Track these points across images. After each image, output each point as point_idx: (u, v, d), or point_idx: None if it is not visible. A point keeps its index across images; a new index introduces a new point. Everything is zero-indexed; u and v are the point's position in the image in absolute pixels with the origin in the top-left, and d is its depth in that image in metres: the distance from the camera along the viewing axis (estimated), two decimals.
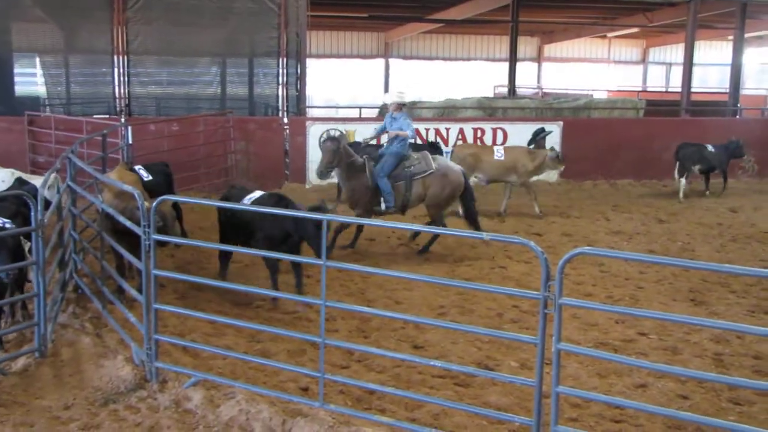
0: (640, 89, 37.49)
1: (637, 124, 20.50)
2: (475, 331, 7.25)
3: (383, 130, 11.98)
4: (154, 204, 6.30)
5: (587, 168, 18.33)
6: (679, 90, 22.78)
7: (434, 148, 15.67)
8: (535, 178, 15.21)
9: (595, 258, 10.81)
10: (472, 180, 13.86)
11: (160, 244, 7.01)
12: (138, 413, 6.08)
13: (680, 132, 18.88)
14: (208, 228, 11.93)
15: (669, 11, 27.21)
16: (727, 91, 23.14)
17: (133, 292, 7.15)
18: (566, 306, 5.36)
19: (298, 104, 17.82)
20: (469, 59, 40.41)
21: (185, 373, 6.55)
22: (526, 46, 38.83)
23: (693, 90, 23.14)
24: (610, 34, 38.62)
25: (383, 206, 11.45)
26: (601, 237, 12.93)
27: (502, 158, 14.58)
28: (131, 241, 7.35)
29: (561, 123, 18.56)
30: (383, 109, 21.46)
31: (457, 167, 12.15)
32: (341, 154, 11.23)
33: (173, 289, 9.14)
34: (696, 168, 17.19)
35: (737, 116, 22.71)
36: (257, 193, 9.54)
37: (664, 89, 39.36)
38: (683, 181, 16.94)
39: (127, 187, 7.18)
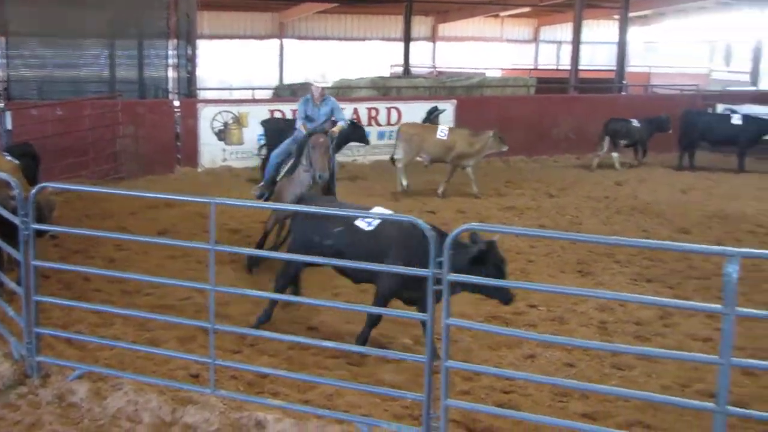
0: (532, 67, 38.17)
1: (528, 101, 20.92)
2: (367, 310, 7.34)
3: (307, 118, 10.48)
4: (33, 192, 6.07)
5: None
6: (569, 68, 23.28)
7: (355, 127, 15.79)
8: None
9: (489, 234, 11.00)
10: (417, 159, 14.02)
11: (39, 233, 6.74)
12: (17, 411, 5.81)
13: (569, 109, 19.42)
14: (95, 216, 11.67)
15: None
16: (614, 68, 23.72)
17: (12, 284, 6.77)
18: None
19: (189, 86, 17.46)
20: (364, 39, 40.23)
21: (69, 366, 6.33)
22: (421, 25, 38.87)
23: (581, 68, 23.81)
24: (502, 14, 39.03)
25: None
26: (493, 213, 13.16)
27: (445, 138, 14.61)
28: (6, 231, 6.85)
29: (455, 101, 18.77)
30: (278, 91, 21.32)
31: None
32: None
33: (58, 280, 8.80)
34: (623, 142, 17.89)
35: (623, 92, 23.33)
36: (380, 210, 7.48)
37: (555, 67, 40.09)
38: (615, 155, 17.75)
39: (2, 175, 6.81)
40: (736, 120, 17.71)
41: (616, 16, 24.60)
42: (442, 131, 14.72)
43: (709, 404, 4.74)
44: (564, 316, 8.30)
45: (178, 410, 5.69)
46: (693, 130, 17.71)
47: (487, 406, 6.05)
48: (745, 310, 4.72)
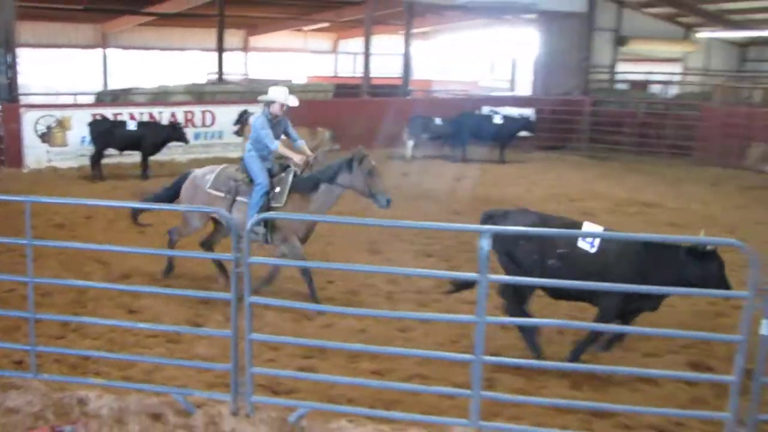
0: (332, 75, 38.67)
1: (328, 104, 21.15)
2: (182, 293, 7.32)
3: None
4: None
5: None
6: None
7: (174, 129, 15.36)
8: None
9: None
10: None
11: None
12: None
13: (362, 111, 19.83)
14: None
15: (353, 9, 28.30)
16: (401, 76, 24.40)
17: None
18: (257, 264, 5.60)
19: (10, 92, 16.46)
20: (183, 49, 39.47)
21: None
22: (234, 37, 38.46)
23: (374, 75, 24.37)
24: (305, 28, 39.39)
25: None
26: None
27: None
28: None
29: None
30: (100, 96, 20.47)
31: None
32: None
33: None
34: (425, 136, 18.57)
35: (408, 96, 24.02)
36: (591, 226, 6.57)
37: (353, 75, 40.80)
38: (411, 143, 18.56)
39: None
40: (497, 119, 18.70)
41: (402, 32, 25.27)
42: None
43: (469, 356, 5.03)
44: (357, 289, 8.52)
45: (0, 396, 5.43)
46: (464, 128, 18.50)
47: (289, 371, 6.15)
48: (496, 276, 5.05)
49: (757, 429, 4.78)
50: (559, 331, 7.31)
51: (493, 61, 37.27)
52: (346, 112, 19.80)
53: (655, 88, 28.33)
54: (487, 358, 5.04)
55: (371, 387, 5.85)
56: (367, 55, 21.53)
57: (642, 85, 28.38)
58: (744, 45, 32.63)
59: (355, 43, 42.88)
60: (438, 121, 18.63)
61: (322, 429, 5.11)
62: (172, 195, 8.95)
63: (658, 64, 30.90)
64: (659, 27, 29.63)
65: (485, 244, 4.68)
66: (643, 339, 7.09)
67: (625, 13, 28.15)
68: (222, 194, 8.34)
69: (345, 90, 24.74)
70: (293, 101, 8.63)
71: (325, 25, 36.89)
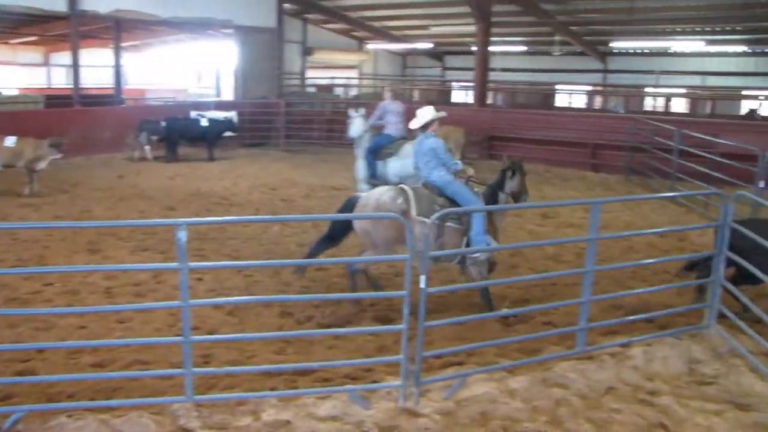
0: (46, 86, 35.21)
1: (39, 115, 19.17)
2: None
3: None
4: None
5: None
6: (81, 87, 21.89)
7: None
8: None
9: (9, 231, 9.98)
10: None
11: None
12: None
13: (75, 120, 18.22)
14: None
15: (60, 24, 25.79)
16: (113, 86, 22.94)
17: None
18: None
19: None
20: None
21: None
22: None
23: (87, 86, 22.64)
24: (12, 41, 35.35)
25: None
26: (14, 211, 11.78)
27: (13, 146, 12.82)
28: None
29: None
30: None
31: None
32: None
33: None
34: (154, 138, 17.62)
35: (122, 105, 22.61)
36: None
37: (66, 86, 37.51)
38: (147, 147, 17.64)
39: None
40: (204, 122, 18.22)
41: (113, 45, 23.64)
42: (10, 140, 12.92)
43: (179, 338, 4.80)
44: (76, 288, 7.77)
45: None
46: (174, 131, 17.79)
47: (5, 378, 5.45)
48: (195, 263, 4.83)
49: (423, 363, 5.07)
50: (265, 305, 7.25)
51: (199, 70, 36.30)
52: (58, 121, 18.02)
53: (338, 91, 29.38)
54: (195, 337, 4.84)
55: (90, 379, 5.37)
56: (75, 67, 19.79)
57: (327, 88, 29.30)
58: (404, 54, 35.00)
59: (68, 56, 39.49)
60: (163, 123, 17.82)
61: (41, 429, 4.57)
62: (340, 232, 7.42)
63: (340, 71, 32.08)
64: (338, 40, 30.78)
65: (182, 235, 4.45)
66: (335, 303, 7.26)
67: (310, 28, 28.87)
68: (427, 220, 6.33)
69: (57, 100, 22.58)
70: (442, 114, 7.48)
71: (33, 38, 33.33)
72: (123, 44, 24.46)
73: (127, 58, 34.90)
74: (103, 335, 6.43)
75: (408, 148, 10.32)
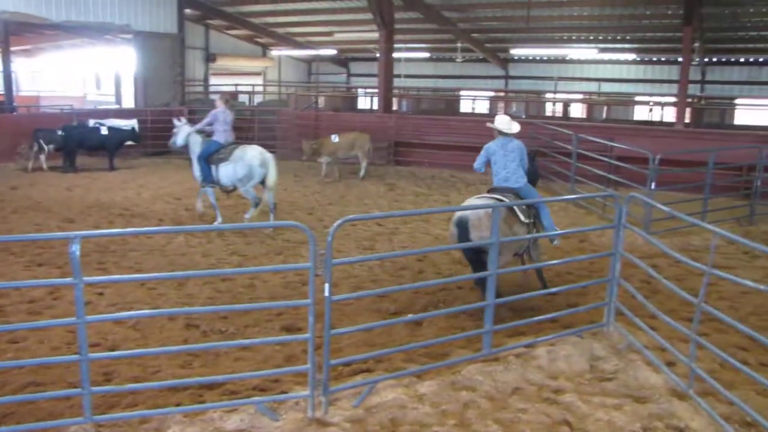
0: None
1: None
2: None
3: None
4: None
5: None
6: None
7: None
8: None
9: None
10: None
11: None
12: None
13: None
14: None
15: None
16: (3, 93, 21.77)
17: None
18: None
19: None
20: None
21: None
22: None
23: None
24: None
25: None
26: None
27: None
28: None
29: None
30: None
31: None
32: None
33: None
34: (51, 147, 16.84)
35: (14, 113, 21.47)
36: None
37: None
38: (42, 157, 16.83)
39: None
40: (104, 131, 17.55)
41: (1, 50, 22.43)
42: None
43: (75, 356, 4.57)
44: None
45: None
46: (71, 140, 17.03)
47: None
48: (90, 278, 4.60)
49: (331, 372, 5.02)
50: (170, 318, 7.03)
51: (98, 77, 34.95)
52: None
53: (243, 98, 28.97)
54: (93, 355, 4.61)
55: None
56: None
57: (232, 95, 28.84)
58: (308, 61, 34.87)
59: None
60: (59, 132, 17.03)
61: None
62: (475, 256, 7.19)
63: (245, 77, 31.64)
64: (242, 46, 30.38)
65: (75, 249, 4.24)
66: (242, 313, 7.13)
67: (212, 34, 28.38)
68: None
69: None
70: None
71: None
72: (13, 48, 23.24)
73: (19, 64, 33.34)
74: None
75: (238, 153, 11.12)
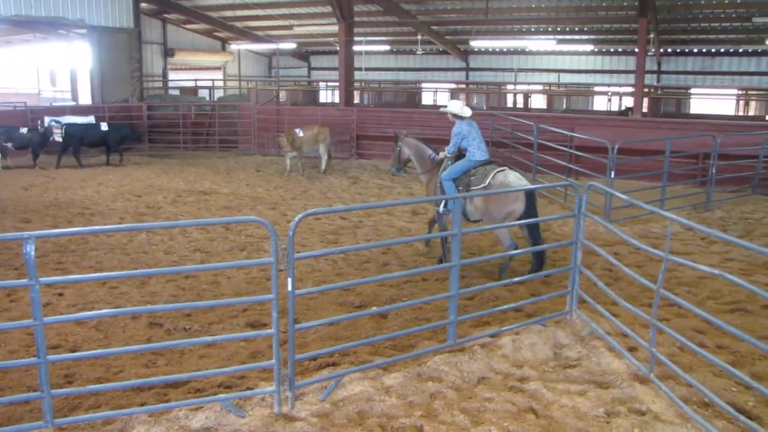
0: None
1: None
2: None
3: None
4: None
5: None
6: None
7: None
8: None
9: None
10: None
11: None
12: None
13: None
14: None
15: None
16: None
17: None
18: None
19: None
20: None
21: None
22: None
23: None
24: None
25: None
26: None
27: None
28: None
29: None
30: None
31: None
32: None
33: None
34: (9, 145, 16.66)
35: None
36: None
37: None
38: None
39: None
40: (104, 127, 17.41)
41: None
42: None
43: (34, 359, 4.47)
44: None
45: None
46: (72, 137, 17.02)
47: None
48: (47, 279, 4.50)
49: (296, 366, 4.99)
50: (133, 317, 6.92)
51: (53, 73, 34.15)
52: None
53: (203, 93, 28.63)
54: (52, 356, 4.51)
55: None
56: None
57: (192, 91, 28.49)
58: (269, 55, 34.60)
59: None
60: (23, 130, 16.68)
61: None
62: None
63: (204, 72, 31.26)
64: (200, 40, 30.01)
65: (30, 249, 4.14)
66: (206, 310, 7.06)
67: (170, 29, 27.97)
68: None
69: None
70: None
71: None
72: None
73: None
74: None
75: None
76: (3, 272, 8.53)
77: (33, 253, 4.13)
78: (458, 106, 8.66)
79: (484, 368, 5.53)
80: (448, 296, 5.84)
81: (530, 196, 8.10)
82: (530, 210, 8.10)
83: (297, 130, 16.33)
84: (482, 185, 8.27)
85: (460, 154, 8.83)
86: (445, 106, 8.83)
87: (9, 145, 16.56)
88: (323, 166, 16.57)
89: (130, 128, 18.39)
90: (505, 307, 6.49)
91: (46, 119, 18.13)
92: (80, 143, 17.34)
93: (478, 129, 8.66)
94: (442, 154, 8.98)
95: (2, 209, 12.02)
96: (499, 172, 8.33)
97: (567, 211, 11.81)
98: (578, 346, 5.87)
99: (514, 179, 8.24)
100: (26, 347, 6.23)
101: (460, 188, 8.50)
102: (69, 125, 17.34)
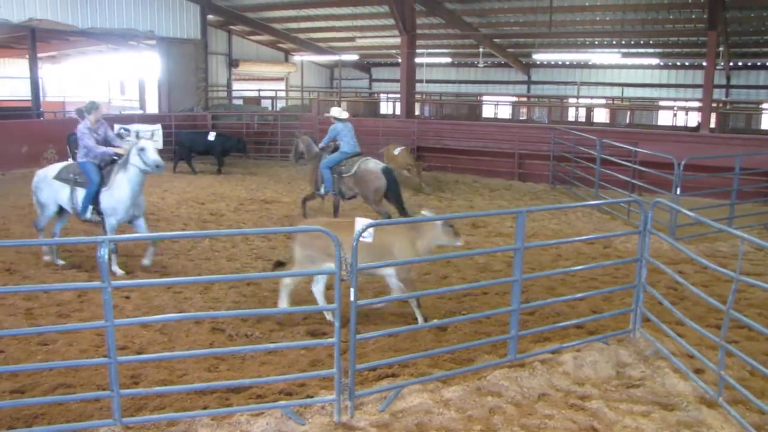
0: None
1: None
2: None
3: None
4: None
5: None
6: None
7: None
8: None
9: None
10: None
11: None
12: None
13: None
14: None
15: None
16: (31, 98, 22.08)
17: None
18: None
19: None
20: None
21: None
22: None
23: (2, 98, 21.82)
24: None
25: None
26: None
27: None
28: None
29: None
30: None
31: None
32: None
33: None
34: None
35: (41, 118, 21.80)
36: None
37: None
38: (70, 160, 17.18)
39: None
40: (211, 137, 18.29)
41: (28, 56, 22.80)
42: None
43: (105, 359, 4.63)
44: None
45: None
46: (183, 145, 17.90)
47: None
48: (119, 282, 4.66)
49: (356, 376, 5.03)
50: (195, 322, 7.08)
51: (122, 82, 35.35)
52: None
53: (265, 103, 29.15)
54: (122, 358, 4.67)
55: (7, 407, 5.09)
56: None
57: (255, 101, 29.04)
58: (330, 66, 35.02)
59: None
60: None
61: None
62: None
63: (267, 82, 31.85)
64: (265, 51, 30.61)
65: (104, 253, 4.30)
66: (268, 318, 7.17)
67: (235, 40, 28.62)
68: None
69: None
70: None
71: None
72: (40, 55, 23.60)
73: (46, 70, 33.82)
74: (24, 359, 6.15)
75: None
76: (74, 274, 8.84)
77: (107, 256, 4.28)
78: (337, 111, 11.69)
79: (545, 384, 5.47)
80: (510, 311, 5.80)
81: (389, 174, 11.12)
82: (391, 184, 11.05)
83: (397, 150, 16.10)
84: (351, 173, 11.24)
85: (336, 148, 11.63)
86: (328, 112, 11.95)
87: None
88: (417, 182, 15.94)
89: (238, 139, 18.84)
90: (567, 323, 6.41)
91: (116, 126, 18.74)
92: (189, 151, 18.09)
93: (351, 128, 11.55)
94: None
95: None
96: (363, 161, 11.34)
97: (629, 227, 11.58)
98: (642, 365, 5.75)
99: (374, 165, 11.28)
100: (95, 347, 6.45)
101: (335, 175, 11.42)
102: (180, 133, 18.07)
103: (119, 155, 8.83)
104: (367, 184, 11.12)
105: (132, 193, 8.63)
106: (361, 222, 5.72)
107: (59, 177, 9.08)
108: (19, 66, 34.58)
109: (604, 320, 6.76)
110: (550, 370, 5.67)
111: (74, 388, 5.59)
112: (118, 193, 8.64)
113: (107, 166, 8.90)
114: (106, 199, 8.71)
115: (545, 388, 5.42)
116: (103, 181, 8.74)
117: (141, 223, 9.00)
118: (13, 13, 18.53)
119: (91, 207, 8.77)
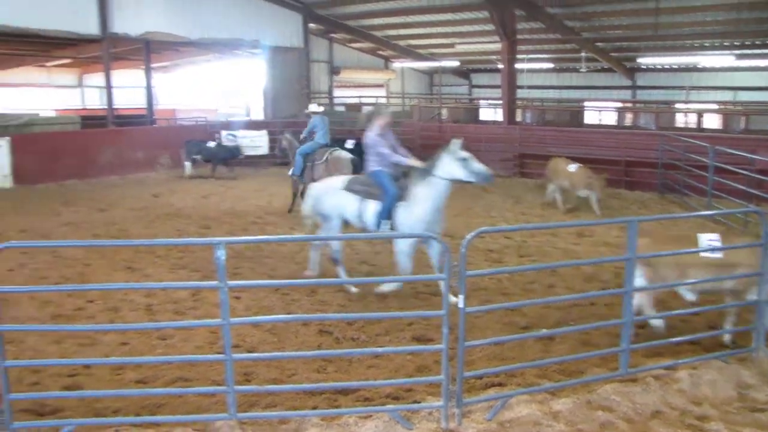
0: (80, 107, 35.91)
1: (75, 135, 19.45)
2: None
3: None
4: None
5: (37, 173, 17.02)
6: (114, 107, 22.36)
7: None
8: None
9: (51, 249, 10.21)
10: None
11: None
12: None
13: (110, 139, 18.60)
14: None
15: (92, 46, 26.26)
16: (145, 107, 23.29)
17: None
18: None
19: None
20: None
21: None
22: None
23: (119, 107, 23.09)
24: (48, 64, 36.01)
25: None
26: (55, 230, 11.95)
27: None
28: None
29: (8, 138, 16.86)
30: None
31: None
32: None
33: None
34: (198, 157, 18.30)
35: (154, 125, 22.96)
36: None
37: (100, 107, 38.12)
38: (188, 164, 18.35)
39: None
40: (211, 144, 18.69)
41: (143, 66, 24.04)
42: None
43: (221, 356, 4.82)
44: (117, 305, 7.86)
45: None
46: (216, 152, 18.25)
47: (52, 392, 5.53)
48: (234, 282, 4.84)
49: (464, 384, 5.00)
50: (303, 324, 7.26)
51: (229, 90, 36.70)
52: (95, 141, 18.46)
53: (366, 109, 29.47)
54: (237, 355, 4.85)
55: (135, 396, 5.41)
56: (109, 88, 20.20)
57: (356, 107, 29.44)
58: (430, 72, 35.10)
59: (100, 77, 40.05)
60: (210, 144, 18.20)
61: None
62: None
63: (367, 89, 32.26)
64: (364, 58, 31.03)
65: (221, 254, 4.49)
66: (374, 321, 7.24)
67: (336, 48, 29.16)
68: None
69: (92, 121, 23.02)
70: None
71: (68, 60, 33.94)
72: (153, 65, 24.84)
73: (158, 79, 35.53)
74: (145, 352, 6.49)
75: None
76: (187, 274, 9.24)
77: (223, 258, 4.46)
78: (314, 107, 13.77)
79: (659, 401, 5.28)
80: (621, 323, 5.64)
81: (356, 163, 12.14)
82: (357, 172, 11.31)
83: (571, 166, 14.11)
84: (321, 161, 12.57)
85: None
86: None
87: (198, 157, 17.99)
88: (596, 208, 13.82)
89: (235, 148, 19.21)
90: (682, 338, 6.17)
91: (223, 133, 19.49)
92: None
93: (327, 122, 13.24)
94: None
95: (186, 216, 13.06)
96: (333, 151, 12.80)
97: (749, 239, 10.99)
98: (767, 388, 5.46)
99: (345, 154, 12.75)
100: (210, 344, 6.72)
101: (309, 163, 12.71)
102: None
103: (412, 166, 8.17)
104: (338, 171, 11.74)
105: (434, 209, 7.87)
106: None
107: (348, 188, 8.45)
108: (133, 76, 36.62)
109: (722, 337, 6.47)
110: (664, 386, 5.47)
111: (191, 381, 5.86)
112: (418, 210, 7.88)
113: (399, 179, 8.23)
114: (404, 214, 7.97)
115: (659, 406, 5.23)
116: (399, 194, 8.04)
117: (434, 244, 7.96)
118: (131, 27, 19.62)
119: (388, 222, 8.03)
